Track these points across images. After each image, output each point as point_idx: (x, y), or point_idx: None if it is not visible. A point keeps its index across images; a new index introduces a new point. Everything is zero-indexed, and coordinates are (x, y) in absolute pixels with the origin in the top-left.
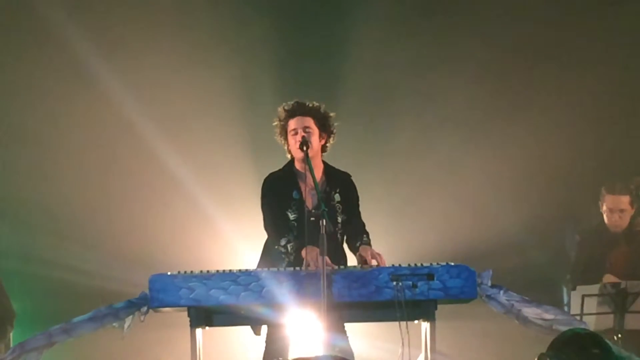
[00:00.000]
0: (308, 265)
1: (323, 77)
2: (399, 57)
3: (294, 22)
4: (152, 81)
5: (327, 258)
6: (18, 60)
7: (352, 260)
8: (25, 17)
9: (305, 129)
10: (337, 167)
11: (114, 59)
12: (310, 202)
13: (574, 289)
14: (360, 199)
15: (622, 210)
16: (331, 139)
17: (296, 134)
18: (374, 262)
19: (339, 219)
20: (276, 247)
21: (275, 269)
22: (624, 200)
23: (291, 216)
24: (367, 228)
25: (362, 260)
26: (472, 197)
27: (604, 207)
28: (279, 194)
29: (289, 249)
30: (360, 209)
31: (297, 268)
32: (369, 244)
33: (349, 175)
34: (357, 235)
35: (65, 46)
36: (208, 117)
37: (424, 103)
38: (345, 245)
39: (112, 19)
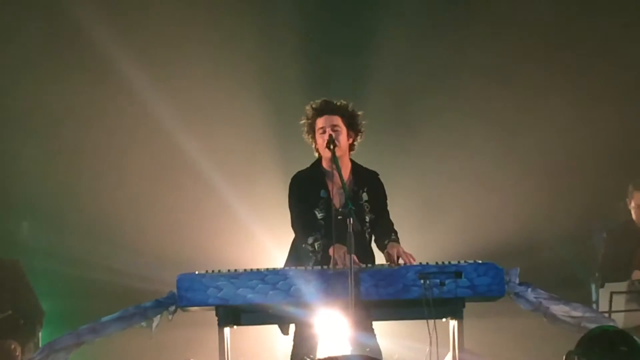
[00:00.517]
0: (335, 263)
1: (351, 73)
2: (428, 54)
3: (322, 16)
4: (183, 83)
5: (354, 256)
6: (42, 56)
7: (380, 259)
8: (50, 17)
9: (333, 127)
10: (364, 165)
11: (142, 59)
12: (337, 201)
13: (602, 286)
14: (387, 197)
15: None
16: (359, 138)
17: (324, 132)
18: (400, 261)
19: (367, 218)
20: (304, 245)
21: (302, 268)
22: None
23: (319, 215)
24: (395, 227)
25: (390, 258)
26: (498, 195)
27: (632, 204)
28: (306, 192)
29: (317, 247)
30: (388, 207)
31: (325, 267)
32: (397, 242)
33: (376, 174)
34: (385, 234)
35: (93, 45)
36: (235, 116)
37: (451, 100)
38: (374, 245)
39: (139, 15)
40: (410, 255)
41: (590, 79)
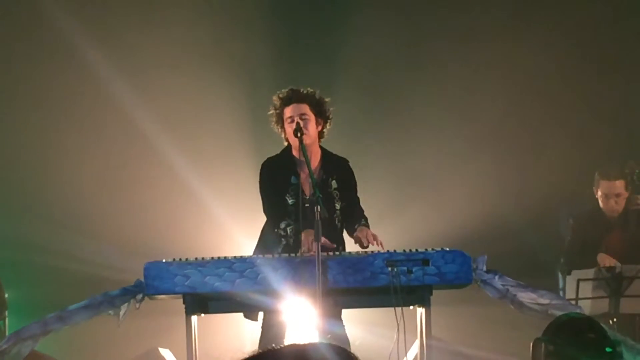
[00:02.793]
0: (307, 249)
1: (321, 60)
2: (396, 42)
3: (292, 9)
4: (149, 74)
5: (324, 239)
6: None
7: (350, 248)
8: (28, 19)
9: (301, 116)
10: (333, 152)
11: (111, 54)
12: (307, 188)
13: (568, 273)
14: (357, 184)
15: (617, 195)
16: (328, 125)
17: (292, 121)
18: (366, 244)
19: (337, 206)
20: (276, 230)
21: (270, 256)
22: (619, 185)
23: (290, 201)
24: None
25: (359, 242)
26: (466, 183)
27: (599, 193)
28: (277, 178)
29: (289, 231)
30: (359, 194)
31: (292, 254)
32: (367, 226)
33: (346, 161)
34: (355, 220)
35: (64, 41)
36: (202, 105)
37: (418, 90)
38: (345, 234)
39: (110, 15)
40: (376, 237)
41: (561, 72)
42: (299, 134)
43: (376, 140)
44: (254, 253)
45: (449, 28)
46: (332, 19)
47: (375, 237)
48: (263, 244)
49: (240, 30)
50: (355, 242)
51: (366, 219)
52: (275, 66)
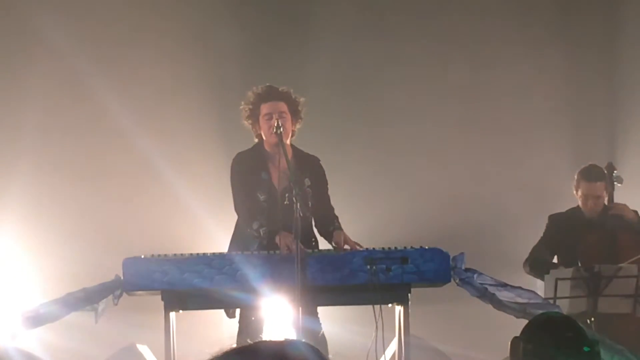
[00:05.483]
0: (287, 250)
1: (288, 60)
2: (370, 36)
3: (259, 5)
4: (122, 66)
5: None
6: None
7: (323, 244)
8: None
9: (280, 114)
10: (306, 150)
11: (84, 45)
12: (279, 184)
13: (529, 272)
14: (330, 183)
15: (597, 197)
16: (298, 124)
17: (270, 118)
18: (347, 247)
19: (310, 204)
20: (248, 230)
21: (249, 252)
22: (600, 186)
23: (261, 197)
24: (341, 211)
25: (338, 247)
26: (445, 181)
27: (579, 193)
28: (248, 173)
29: (262, 233)
30: (333, 192)
31: (272, 252)
32: (340, 229)
33: (318, 160)
34: (328, 220)
35: (34, 32)
36: (176, 99)
37: (391, 87)
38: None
39: (80, 11)
40: (357, 244)
41: (544, 70)
42: (279, 131)
43: (350, 136)
44: (229, 248)
45: (427, 27)
46: (305, 15)
47: (354, 244)
48: (239, 239)
49: (211, 18)
50: (334, 247)
51: (337, 219)
52: (246, 61)
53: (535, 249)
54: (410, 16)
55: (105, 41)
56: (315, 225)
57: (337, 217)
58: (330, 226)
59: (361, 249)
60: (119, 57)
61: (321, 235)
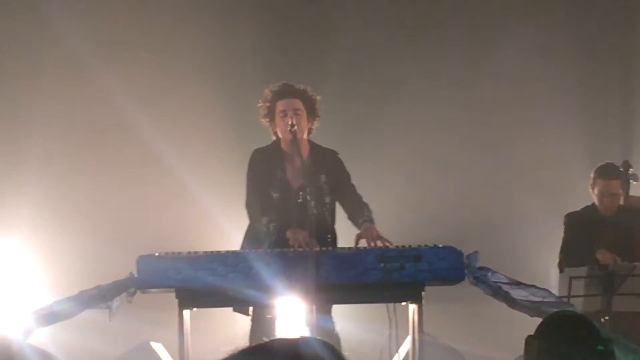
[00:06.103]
0: (294, 246)
1: (308, 55)
2: (386, 36)
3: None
4: (137, 68)
5: (308, 237)
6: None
7: (341, 240)
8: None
9: (295, 111)
10: (322, 144)
11: (100, 50)
12: (294, 183)
13: (561, 271)
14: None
15: (613, 195)
16: (316, 122)
17: (285, 115)
18: (378, 244)
19: (326, 200)
20: (257, 225)
21: (263, 250)
22: (616, 184)
23: (274, 195)
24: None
25: (366, 241)
26: (459, 179)
27: (596, 191)
28: (264, 170)
29: (271, 228)
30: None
31: (286, 249)
32: (371, 219)
33: (335, 153)
34: (357, 211)
35: (52, 34)
36: (192, 99)
37: (407, 84)
38: (337, 226)
39: (95, 11)
40: (387, 240)
41: (559, 72)
42: (293, 129)
43: (365, 134)
44: (242, 246)
45: (448, 17)
46: (321, 12)
47: (381, 239)
48: (252, 237)
49: (228, 22)
50: (359, 240)
51: (367, 207)
52: (263, 58)
53: (564, 249)
54: (425, 17)
55: (120, 40)
56: (349, 219)
57: (366, 206)
58: (360, 218)
59: (391, 245)
60: (135, 55)
61: (355, 227)
